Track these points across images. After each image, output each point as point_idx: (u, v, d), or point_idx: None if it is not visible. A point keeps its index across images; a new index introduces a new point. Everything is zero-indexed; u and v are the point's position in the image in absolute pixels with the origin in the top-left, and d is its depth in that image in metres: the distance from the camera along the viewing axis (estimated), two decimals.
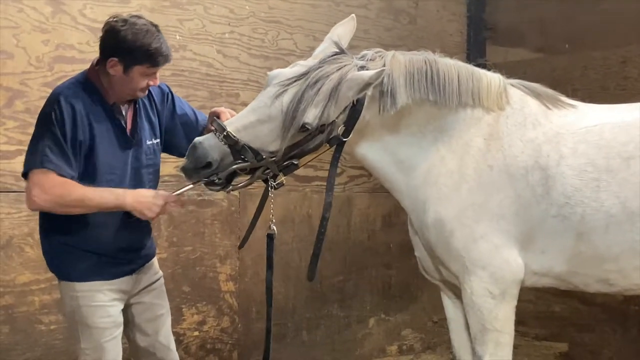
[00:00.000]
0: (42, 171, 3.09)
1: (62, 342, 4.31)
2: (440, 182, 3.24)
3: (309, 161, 3.22)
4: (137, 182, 3.34)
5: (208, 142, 3.03)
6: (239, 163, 3.04)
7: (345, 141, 3.16)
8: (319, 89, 3.04)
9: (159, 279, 3.60)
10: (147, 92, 3.35)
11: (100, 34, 4.35)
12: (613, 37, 5.57)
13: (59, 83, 4.21)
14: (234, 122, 3.08)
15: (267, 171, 3.13)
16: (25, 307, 4.24)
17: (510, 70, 3.44)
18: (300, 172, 5.34)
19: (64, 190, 3.10)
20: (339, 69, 3.10)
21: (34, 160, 3.13)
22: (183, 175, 3.11)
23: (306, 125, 3.03)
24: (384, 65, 3.12)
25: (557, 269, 3.23)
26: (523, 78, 3.48)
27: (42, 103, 4.14)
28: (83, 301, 3.30)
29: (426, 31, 6.04)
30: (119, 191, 3.18)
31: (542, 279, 3.30)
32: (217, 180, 3.06)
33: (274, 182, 3.17)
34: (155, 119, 3.47)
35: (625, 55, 5.54)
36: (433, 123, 3.28)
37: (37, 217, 4.16)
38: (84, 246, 3.28)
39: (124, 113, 3.35)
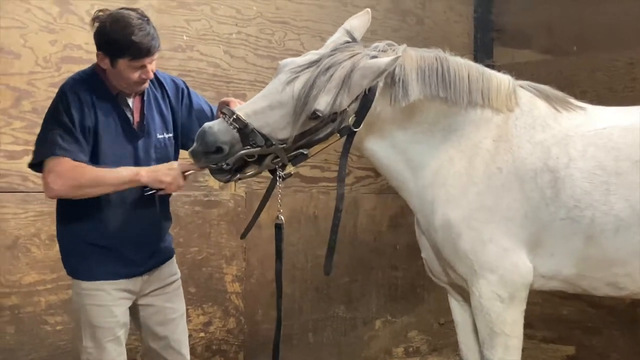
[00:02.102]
0: (55, 158, 3.10)
1: (67, 342, 4.30)
2: (449, 184, 3.22)
3: (318, 151, 3.16)
4: None
5: (218, 127, 3.00)
6: (248, 149, 3.01)
7: (356, 131, 3.12)
8: (331, 76, 3.01)
9: (174, 282, 3.55)
10: (145, 85, 3.29)
11: None
12: (621, 39, 5.55)
13: None
14: (244, 107, 3.07)
15: (276, 160, 3.08)
16: (31, 308, 4.23)
17: (517, 72, 3.42)
18: (306, 172, 5.40)
19: (78, 172, 3.10)
20: (351, 56, 3.07)
21: (45, 149, 3.14)
22: (191, 158, 3.08)
23: (317, 112, 3.00)
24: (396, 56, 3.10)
25: (566, 272, 3.21)
26: (530, 80, 3.46)
27: (49, 103, 4.15)
28: (88, 300, 3.30)
29: (433, 32, 6.04)
30: (133, 167, 3.17)
31: (550, 282, 3.28)
32: (225, 167, 3.02)
33: (282, 171, 3.12)
34: (167, 113, 3.45)
35: (633, 57, 5.53)
36: (443, 122, 3.26)
37: (43, 217, 4.21)
38: (94, 242, 3.27)
39: (130, 105, 3.33)
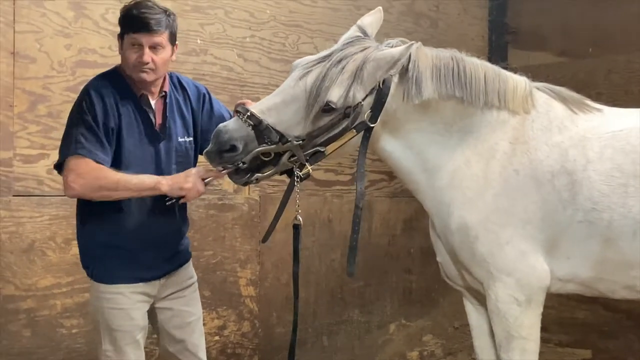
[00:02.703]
0: (77, 157, 3.11)
1: (83, 345, 4.32)
2: (465, 186, 3.19)
3: (336, 149, 3.10)
4: None
5: (232, 125, 3.01)
6: (264, 146, 2.99)
7: (372, 127, 3.09)
8: (343, 68, 3.00)
9: (190, 285, 3.55)
10: (145, 75, 3.25)
11: None
12: (637, 41, 5.53)
13: (81, 87, 4.27)
14: (258, 105, 3.07)
15: (293, 158, 3.06)
16: (47, 311, 4.25)
17: (532, 75, 3.39)
18: (320, 176, 5.39)
19: (99, 174, 3.10)
20: (363, 49, 3.07)
21: (68, 149, 3.15)
22: (207, 160, 3.08)
23: (330, 104, 2.98)
24: (410, 53, 3.09)
25: (583, 275, 3.18)
26: (545, 82, 3.44)
27: (64, 107, 4.23)
28: (107, 303, 3.30)
29: (447, 35, 6.03)
30: (154, 175, 3.18)
31: (567, 285, 3.25)
32: (241, 165, 3.00)
33: (300, 172, 3.09)
34: (189, 116, 3.46)
35: None
36: (459, 122, 3.24)
37: (59, 221, 4.24)
38: (114, 245, 3.27)
39: (153, 107, 3.35)
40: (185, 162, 3.39)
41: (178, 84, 3.48)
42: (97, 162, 3.11)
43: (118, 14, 4.33)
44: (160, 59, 3.25)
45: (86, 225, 3.34)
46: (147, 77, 3.26)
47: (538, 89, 3.34)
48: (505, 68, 3.39)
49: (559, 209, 3.10)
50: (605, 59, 5.68)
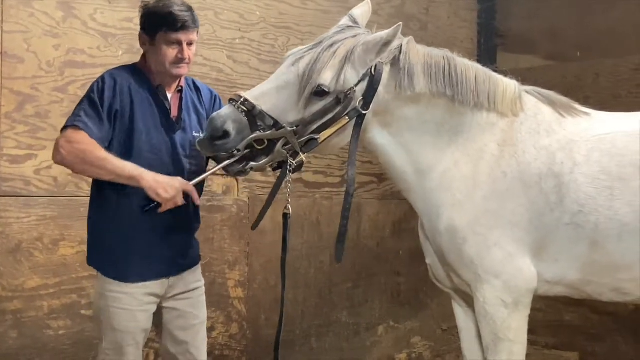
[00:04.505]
0: (73, 128, 3.19)
1: (70, 347, 4.30)
2: (455, 187, 3.21)
3: (329, 136, 3.12)
4: (177, 171, 3.32)
5: (225, 112, 3.04)
6: (258, 133, 3.01)
7: (364, 114, 3.12)
8: (334, 52, 3.06)
9: (197, 288, 3.56)
10: (182, 70, 3.35)
11: (110, 38, 4.42)
12: (625, 45, 5.54)
13: (70, 88, 4.28)
14: (251, 91, 3.10)
15: (287, 146, 3.08)
16: (33, 312, 4.22)
17: (521, 78, 3.42)
18: (309, 178, 5.39)
19: (87, 147, 3.16)
20: (354, 36, 3.14)
21: (69, 120, 3.25)
22: (199, 149, 3.10)
23: (322, 87, 3.02)
24: (401, 44, 3.16)
25: (570, 277, 3.20)
26: (534, 85, 3.47)
27: (52, 108, 4.23)
28: (112, 302, 3.31)
29: (437, 37, 6.02)
30: (140, 168, 3.19)
31: (554, 288, 3.27)
32: (235, 153, 3.02)
33: (294, 160, 3.11)
34: (203, 113, 3.53)
35: (637, 62, 5.52)
36: (449, 122, 3.26)
37: (46, 222, 4.22)
38: (125, 240, 3.30)
39: (169, 98, 3.41)
40: (197, 157, 3.42)
41: (193, 85, 3.59)
42: (91, 137, 3.17)
43: (107, 15, 4.39)
44: (193, 54, 3.39)
45: (98, 220, 3.38)
46: (184, 71, 3.38)
47: (527, 92, 3.37)
48: (495, 71, 3.41)
49: (547, 212, 3.12)
50: (593, 63, 5.70)
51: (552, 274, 3.21)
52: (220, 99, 3.66)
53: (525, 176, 3.15)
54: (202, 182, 3.48)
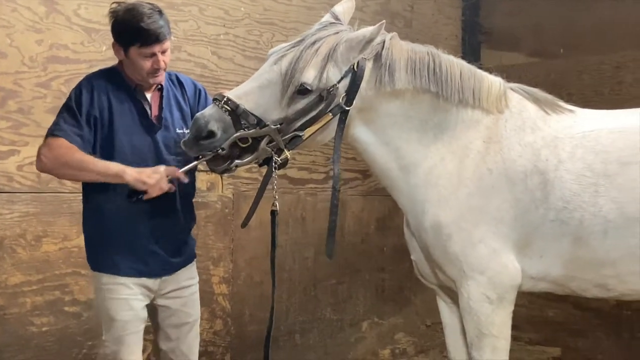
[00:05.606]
0: (54, 137, 3.24)
1: (53, 344, 4.28)
2: (440, 184, 3.22)
3: (313, 133, 3.13)
4: None
5: (209, 112, 3.05)
6: (242, 132, 3.02)
7: (347, 110, 3.13)
8: (317, 50, 3.06)
9: (190, 286, 3.58)
10: (159, 77, 3.35)
11: (94, 34, 4.39)
12: (608, 42, 5.59)
13: (53, 83, 4.24)
14: (234, 91, 3.11)
15: (272, 144, 3.08)
16: (16, 309, 4.19)
17: (505, 75, 3.43)
18: (294, 174, 5.39)
19: (67, 152, 3.20)
20: (336, 33, 3.14)
21: (49, 129, 3.29)
22: (184, 149, 3.11)
23: (305, 85, 3.03)
24: (384, 40, 3.16)
25: (555, 273, 3.22)
26: (518, 82, 3.48)
27: (35, 103, 4.19)
28: (108, 294, 3.35)
29: (421, 34, 6.05)
30: (121, 165, 3.21)
31: (539, 284, 3.29)
32: (220, 152, 3.02)
33: (278, 157, 3.12)
34: (187, 109, 3.52)
35: (620, 60, 5.57)
36: (434, 118, 3.26)
37: (29, 218, 4.19)
38: (117, 236, 3.32)
39: (148, 99, 3.40)
40: (183, 153, 3.37)
41: (176, 80, 3.57)
42: (71, 142, 3.21)
43: (91, 10, 4.35)
44: (168, 59, 3.37)
45: (91, 216, 3.41)
46: (160, 79, 3.39)
47: (512, 89, 3.38)
48: (479, 68, 3.42)
49: (532, 208, 3.13)
50: (576, 60, 5.75)
51: (537, 270, 3.22)
52: (205, 92, 3.64)
53: (510, 173, 3.17)
54: (194, 178, 3.50)
